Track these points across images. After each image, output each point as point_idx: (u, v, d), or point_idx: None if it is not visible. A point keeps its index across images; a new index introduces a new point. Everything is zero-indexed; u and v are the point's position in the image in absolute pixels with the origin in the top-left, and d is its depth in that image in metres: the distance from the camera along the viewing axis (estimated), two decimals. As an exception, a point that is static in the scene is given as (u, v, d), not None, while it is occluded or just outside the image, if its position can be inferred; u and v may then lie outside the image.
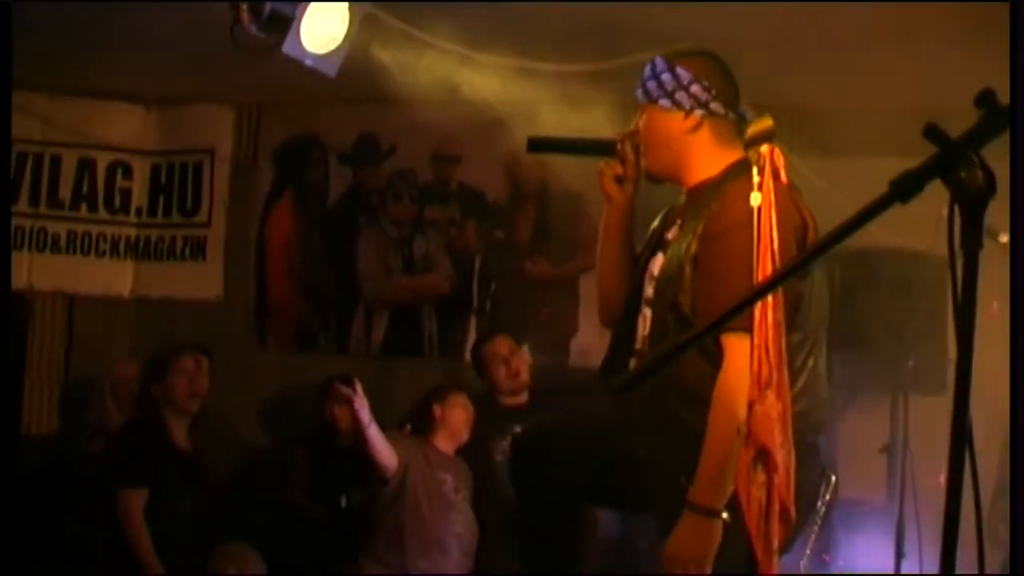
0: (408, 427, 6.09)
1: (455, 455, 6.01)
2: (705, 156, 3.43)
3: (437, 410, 5.97)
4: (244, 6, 4.83)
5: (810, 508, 3.54)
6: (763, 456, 3.03)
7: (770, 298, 3.04)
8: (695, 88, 3.40)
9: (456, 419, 5.98)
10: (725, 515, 3.14)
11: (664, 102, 3.42)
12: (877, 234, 5.87)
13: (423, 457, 5.87)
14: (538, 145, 3.76)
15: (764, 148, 3.22)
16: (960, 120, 1.85)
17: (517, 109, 5.75)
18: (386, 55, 5.46)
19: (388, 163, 7.52)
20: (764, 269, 3.05)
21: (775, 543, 3.06)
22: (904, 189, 1.78)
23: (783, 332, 3.07)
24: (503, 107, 5.78)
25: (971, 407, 1.88)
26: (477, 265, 7.38)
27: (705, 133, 3.42)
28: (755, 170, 3.17)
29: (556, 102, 6.11)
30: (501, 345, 6.45)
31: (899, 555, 5.34)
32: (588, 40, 5.65)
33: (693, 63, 3.44)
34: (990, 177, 1.73)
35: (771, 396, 3.03)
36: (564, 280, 7.22)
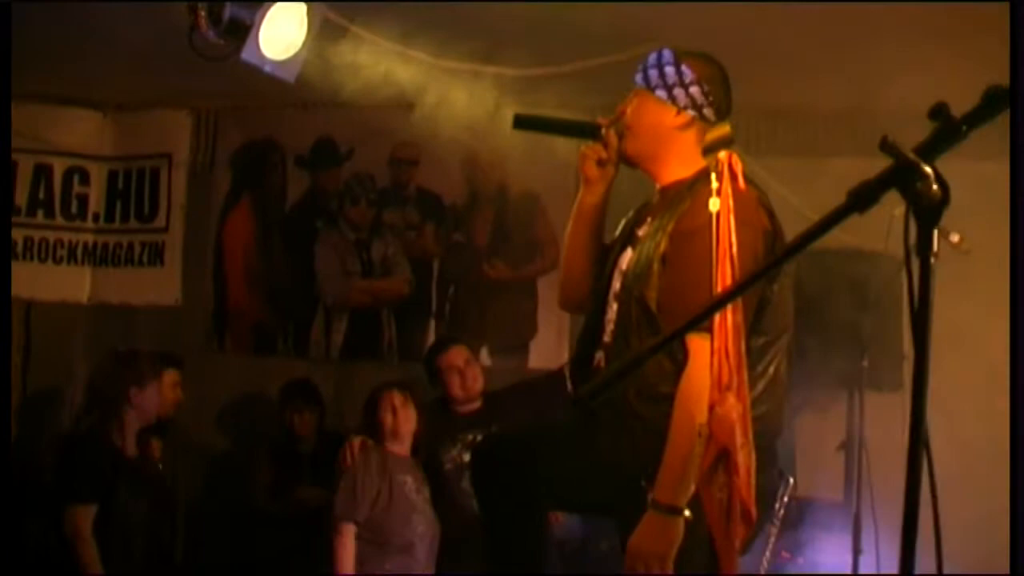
0: (361, 438, 6.05)
1: (411, 456, 5.99)
2: (684, 156, 3.46)
3: (382, 415, 5.95)
4: (202, 12, 4.81)
5: (769, 509, 3.59)
6: (724, 457, 3.07)
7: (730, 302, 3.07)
8: (694, 89, 3.43)
9: (398, 421, 5.93)
10: (687, 513, 3.17)
11: (660, 93, 3.44)
12: (833, 234, 5.99)
13: (380, 463, 5.86)
14: (524, 122, 3.73)
15: (722, 154, 3.26)
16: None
17: (475, 112, 5.79)
18: (343, 60, 5.47)
19: (346, 167, 7.55)
20: (723, 273, 3.09)
21: (737, 543, 3.10)
22: (862, 199, 1.83)
23: (743, 335, 3.11)
24: (461, 111, 5.81)
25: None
26: (436, 268, 7.41)
27: (690, 134, 3.45)
28: (713, 176, 3.21)
29: (515, 106, 6.16)
30: (456, 356, 6.31)
31: (856, 552, 5.41)
32: (546, 42, 5.67)
33: (698, 65, 3.47)
34: (944, 188, 1.78)
35: (731, 398, 3.07)
36: (522, 282, 7.25)
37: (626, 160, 3.59)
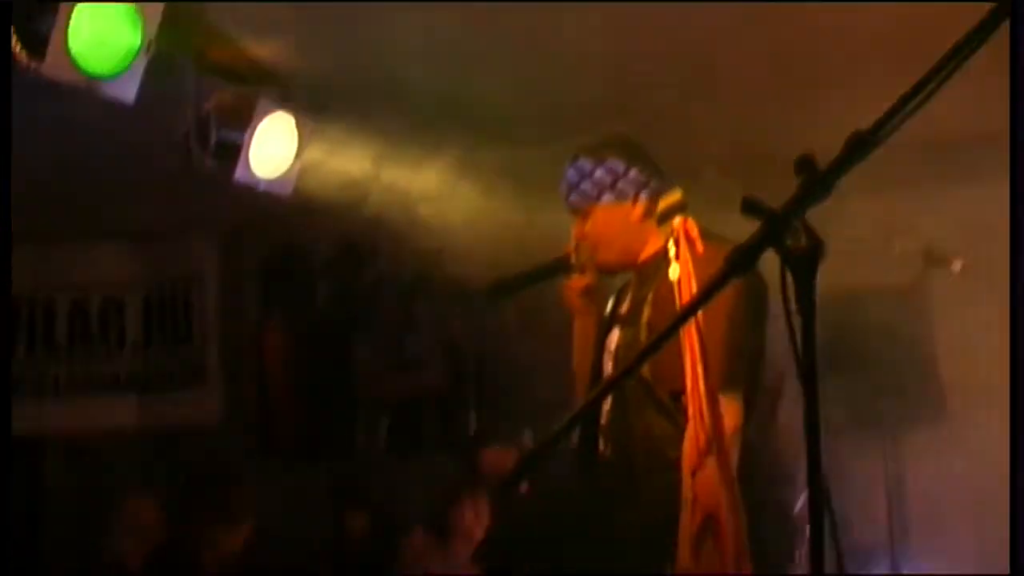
0: (421, 530, 6.10)
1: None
2: (654, 233, 3.48)
3: (454, 515, 5.98)
4: (192, 138, 4.91)
5: (787, 560, 3.55)
6: (711, 521, 3.04)
7: (700, 367, 3.06)
8: (633, 173, 3.45)
9: (472, 523, 5.98)
10: None
11: (608, 197, 3.46)
12: (862, 274, 5.96)
13: (441, 562, 5.90)
14: (499, 291, 3.76)
15: (676, 221, 3.27)
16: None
17: (487, 199, 5.86)
18: (348, 166, 5.57)
19: (371, 266, 7.62)
20: (689, 337, 3.07)
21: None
22: (739, 264, 1.84)
23: (717, 398, 3.09)
24: (475, 198, 5.88)
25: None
26: (470, 355, 7.47)
27: (654, 213, 3.48)
28: (670, 243, 3.22)
29: (528, 185, 6.22)
30: (490, 458, 6.36)
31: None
32: (537, 125, 5.73)
33: (617, 151, 3.49)
34: (816, 241, 1.78)
35: (711, 461, 3.06)
36: (558, 360, 7.25)
37: (606, 272, 3.60)
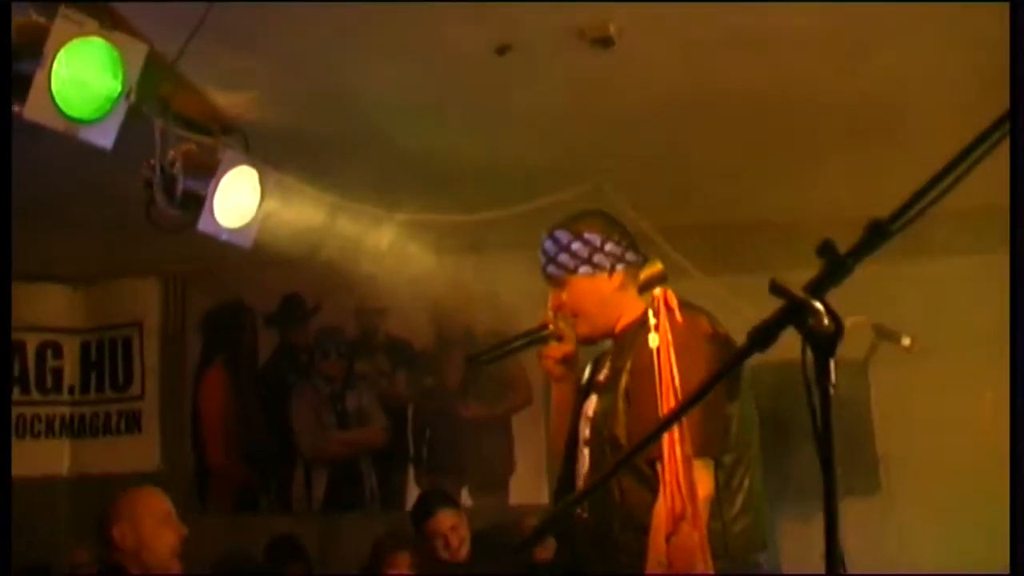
0: None
1: None
2: (630, 304, 3.57)
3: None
4: (157, 186, 4.90)
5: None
6: (686, 587, 3.11)
7: (677, 434, 3.14)
8: (609, 247, 3.53)
9: None
10: None
11: (585, 269, 3.53)
12: (796, 344, 6.08)
13: None
14: (480, 359, 3.83)
15: (657, 291, 3.36)
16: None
17: (436, 259, 5.90)
18: (302, 218, 5.58)
19: (314, 321, 7.66)
20: (668, 406, 3.15)
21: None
22: (762, 339, 1.91)
23: (692, 465, 3.17)
24: (423, 259, 5.92)
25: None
26: (410, 414, 7.49)
27: (630, 285, 3.57)
28: (650, 313, 3.30)
29: (470, 251, 6.29)
30: (442, 522, 6.10)
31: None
32: (492, 185, 5.80)
33: (594, 224, 3.58)
34: (837, 322, 1.87)
35: (686, 527, 3.13)
36: (497, 420, 7.32)
37: (587, 342, 3.67)
